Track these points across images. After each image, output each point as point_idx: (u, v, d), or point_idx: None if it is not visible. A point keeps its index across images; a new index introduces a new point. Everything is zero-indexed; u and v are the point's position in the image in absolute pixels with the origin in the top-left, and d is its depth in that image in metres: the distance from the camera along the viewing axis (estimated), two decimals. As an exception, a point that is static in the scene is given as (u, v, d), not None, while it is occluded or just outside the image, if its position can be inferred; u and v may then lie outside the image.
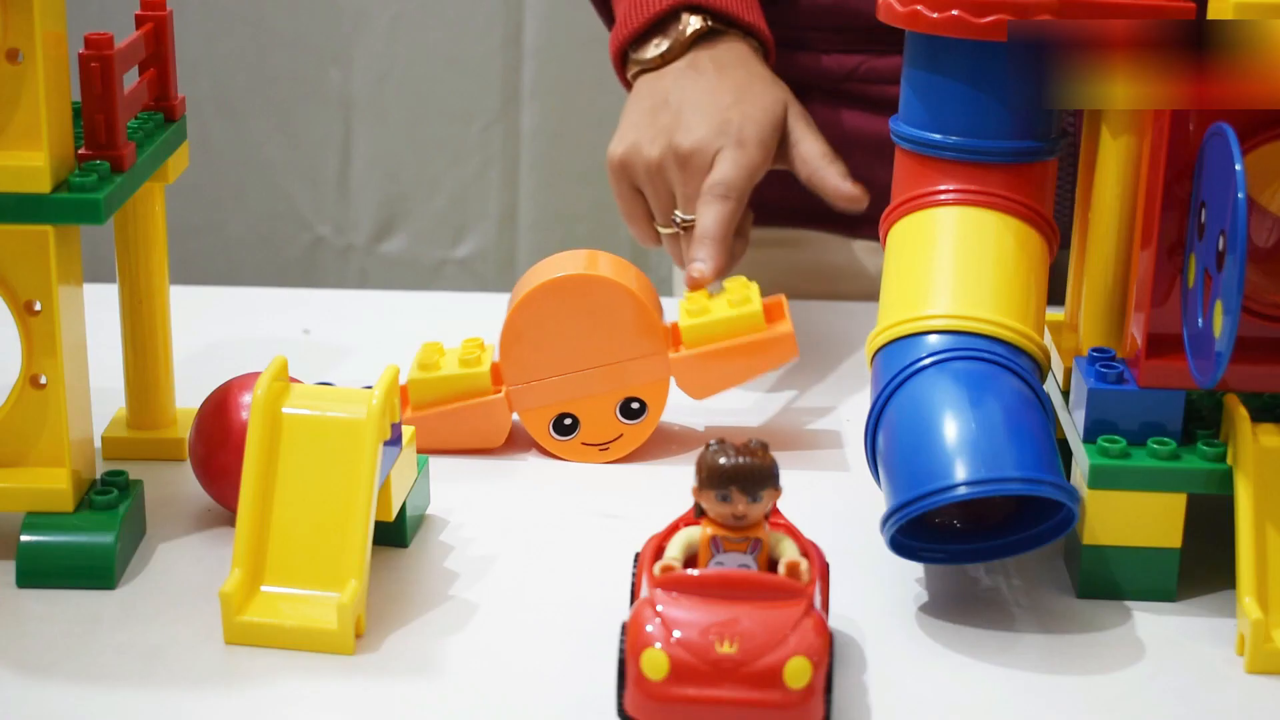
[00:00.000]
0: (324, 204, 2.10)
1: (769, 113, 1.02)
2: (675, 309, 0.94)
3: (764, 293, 1.14)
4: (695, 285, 0.96)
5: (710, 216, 0.98)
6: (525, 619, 0.77)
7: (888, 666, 0.74)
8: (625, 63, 1.07)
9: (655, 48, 1.05)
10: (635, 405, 0.91)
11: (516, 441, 0.93)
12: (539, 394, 0.91)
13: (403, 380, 0.93)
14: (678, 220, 1.01)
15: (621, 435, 0.92)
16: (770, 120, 1.01)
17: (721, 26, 1.04)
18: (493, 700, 0.71)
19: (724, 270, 0.98)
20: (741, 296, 0.92)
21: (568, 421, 0.91)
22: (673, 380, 0.91)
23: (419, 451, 0.90)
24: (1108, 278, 0.82)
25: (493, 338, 0.93)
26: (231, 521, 0.79)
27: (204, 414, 0.84)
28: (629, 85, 1.07)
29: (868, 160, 1.11)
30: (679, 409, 0.94)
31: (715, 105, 1.01)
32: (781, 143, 1.03)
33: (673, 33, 1.04)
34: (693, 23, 1.04)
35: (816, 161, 1.02)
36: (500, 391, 0.91)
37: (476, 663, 0.74)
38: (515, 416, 0.92)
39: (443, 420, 0.91)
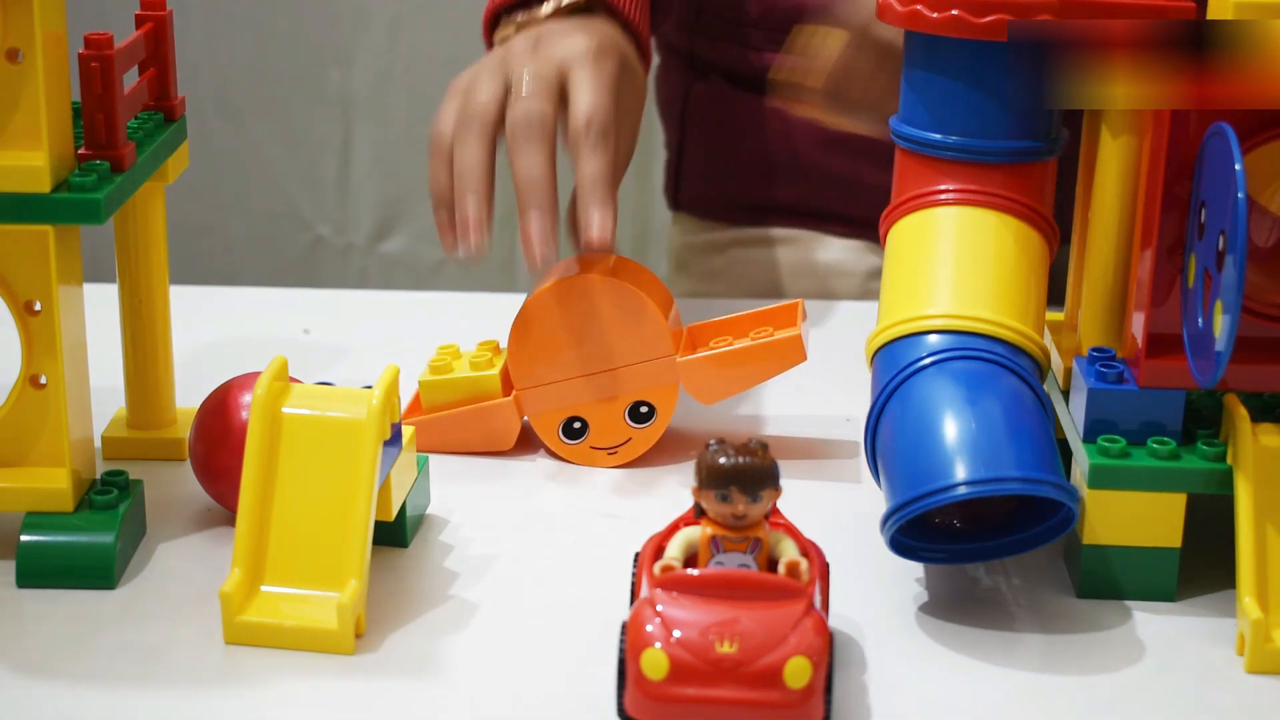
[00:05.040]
0: (324, 204, 2.10)
1: (621, 46, 0.94)
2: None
3: (760, 293, 1.14)
4: (593, 248, 0.86)
5: (594, 163, 0.86)
6: (525, 619, 0.77)
7: (888, 666, 0.74)
8: (495, 29, 1.03)
9: (526, 13, 1.00)
10: (644, 409, 0.91)
11: (521, 443, 0.93)
12: (548, 398, 0.91)
13: (413, 384, 0.93)
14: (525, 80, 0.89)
15: (630, 439, 0.92)
16: (622, 53, 0.93)
17: (596, 6, 1.00)
18: (493, 700, 0.71)
19: (616, 225, 0.87)
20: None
21: (577, 425, 0.91)
22: (682, 385, 0.91)
23: (430, 453, 0.90)
24: (1108, 278, 0.82)
25: (505, 339, 0.94)
26: (231, 521, 0.79)
27: (204, 414, 0.84)
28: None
29: (854, 161, 1.11)
30: (679, 410, 0.94)
31: (558, 39, 0.93)
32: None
33: (550, 4, 0.99)
34: None
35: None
36: (510, 395, 0.91)
37: (476, 663, 0.74)
38: (525, 420, 0.92)
39: (453, 423, 0.91)
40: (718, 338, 0.92)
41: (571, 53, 0.90)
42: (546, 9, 1.00)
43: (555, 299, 0.89)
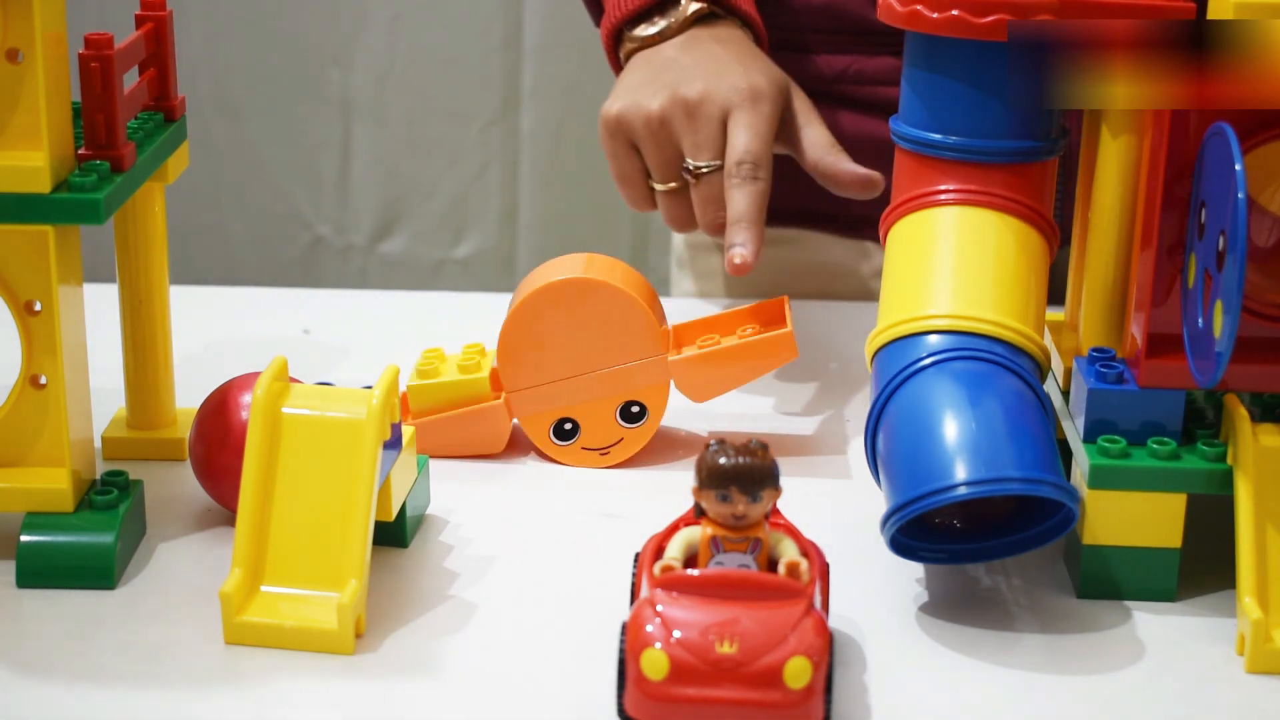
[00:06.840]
0: (324, 204, 2.10)
1: (775, 75, 0.99)
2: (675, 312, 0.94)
3: (761, 292, 1.14)
4: (738, 271, 0.92)
5: (744, 199, 0.94)
6: (525, 619, 0.77)
7: (888, 666, 0.74)
8: (619, 43, 1.06)
9: (652, 26, 1.03)
10: (635, 409, 0.91)
11: (516, 443, 0.93)
12: (538, 399, 0.91)
13: (403, 387, 0.93)
14: (690, 169, 0.97)
15: (622, 439, 0.92)
16: (778, 81, 0.99)
17: (720, 12, 1.04)
18: (493, 700, 0.71)
19: (760, 253, 0.94)
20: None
21: (568, 426, 0.91)
22: (673, 383, 0.91)
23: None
24: (1108, 278, 0.82)
25: (493, 341, 0.93)
26: (231, 521, 0.79)
27: (204, 414, 0.84)
28: (619, 66, 1.05)
29: (858, 160, 1.11)
30: (678, 411, 0.94)
31: (719, 65, 0.99)
32: (783, 124, 1.00)
33: (672, 13, 1.03)
34: (693, 5, 1.03)
35: (824, 149, 0.99)
36: (499, 397, 0.91)
37: (476, 663, 0.74)
38: (516, 421, 0.92)
39: (443, 427, 0.91)
40: (705, 335, 0.92)
41: (732, 99, 0.97)
42: (673, 22, 1.03)
43: (545, 302, 0.89)
